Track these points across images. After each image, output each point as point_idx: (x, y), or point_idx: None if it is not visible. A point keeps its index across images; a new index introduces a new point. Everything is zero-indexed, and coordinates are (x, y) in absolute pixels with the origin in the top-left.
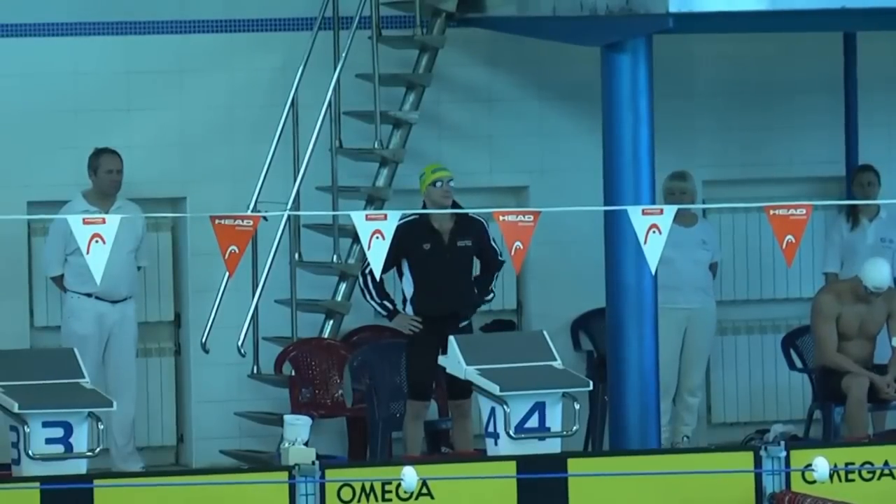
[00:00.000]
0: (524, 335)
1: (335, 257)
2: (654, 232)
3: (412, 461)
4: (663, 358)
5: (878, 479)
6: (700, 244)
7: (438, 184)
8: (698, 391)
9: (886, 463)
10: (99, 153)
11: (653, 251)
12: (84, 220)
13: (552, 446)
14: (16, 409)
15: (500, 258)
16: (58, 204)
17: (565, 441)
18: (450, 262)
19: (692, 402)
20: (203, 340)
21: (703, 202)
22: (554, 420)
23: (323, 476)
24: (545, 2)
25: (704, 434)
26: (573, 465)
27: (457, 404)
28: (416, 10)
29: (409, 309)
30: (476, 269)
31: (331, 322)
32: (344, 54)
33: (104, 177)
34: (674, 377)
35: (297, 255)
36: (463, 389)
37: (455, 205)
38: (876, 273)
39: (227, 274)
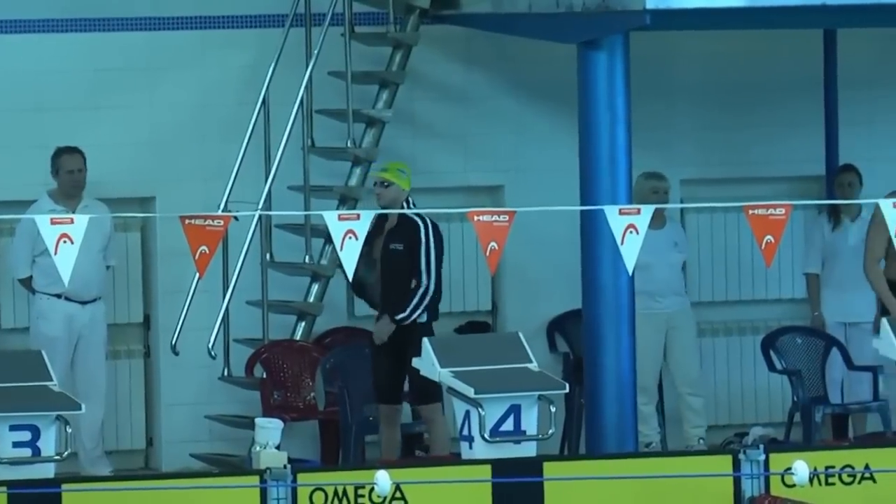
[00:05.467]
0: (499, 337)
1: (307, 258)
2: (631, 232)
3: (385, 465)
4: (645, 364)
5: (859, 482)
6: (672, 246)
7: (373, 183)
8: (698, 391)
9: (867, 467)
10: (60, 153)
11: (630, 251)
12: (51, 220)
13: (528, 450)
14: None
15: (421, 280)
16: (24, 204)
17: (541, 444)
18: (381, 264)
19: (695, 402)
20: (173, 342)
21: (682, 202)
22: (529, 423)
23: (295, 480)
24: None
25: (682, 437)
26: (549, 468)
27: (424, 409)
28: (389, 6)
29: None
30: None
31: (303, 324)
32: (316, 52)
33: (66, 177)
34: (655, 382)
35: (268, 256)
36: (427, 394)
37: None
38: None
39: (198, 275)
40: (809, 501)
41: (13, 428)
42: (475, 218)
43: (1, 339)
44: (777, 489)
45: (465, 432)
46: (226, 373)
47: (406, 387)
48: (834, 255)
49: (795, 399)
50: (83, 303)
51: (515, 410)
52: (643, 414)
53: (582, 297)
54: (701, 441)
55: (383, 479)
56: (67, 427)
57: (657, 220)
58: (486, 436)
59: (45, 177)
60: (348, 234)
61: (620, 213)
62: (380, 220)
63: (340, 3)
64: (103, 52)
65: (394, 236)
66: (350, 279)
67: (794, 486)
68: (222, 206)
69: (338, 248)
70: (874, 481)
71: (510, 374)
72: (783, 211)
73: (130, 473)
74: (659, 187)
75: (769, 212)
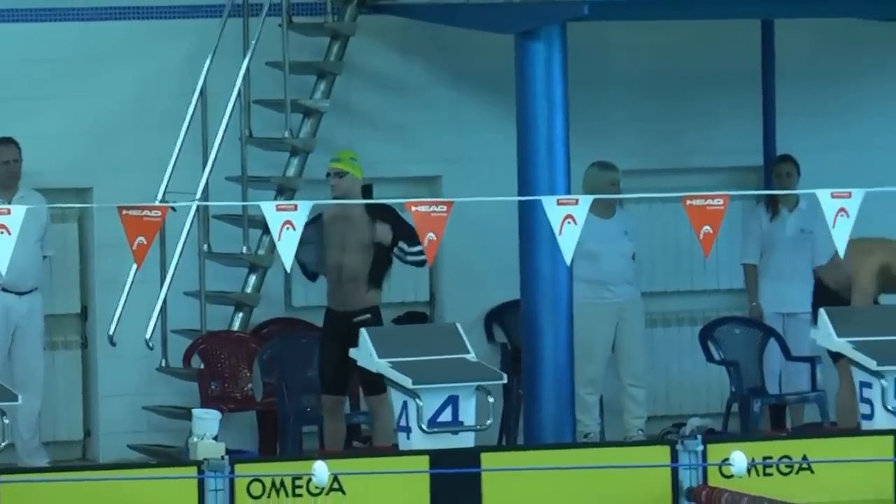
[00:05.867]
0: (437, 327)
1: (245, 248)
2: (569, 222)
3: (323, 456)
4: (594, 354)
5: (797, 473)
6: (622, 235)
7: (326, 174)
8: (641, 382)
9: (805, 457)
10: None
11: (568, 242)
12: None
13: (465, 440)
14: None
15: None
16: None
17: (479, 435)
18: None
19: (638, 393)
20: (110, 333)
21: (621, 192)
22: (467, 414)
23: (232, 471)
24: None
25: (621, 427)
26: (487, 459)
27: (371, 400)
28: None
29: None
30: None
31: (240, 314)
32: (254, 42)
33: (1, 168)
34: (602, 372)
35: (206, 247)
36: (376, 385)
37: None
38: None
39: (135, 265)
40: (747, 492)
41: None
42: (413, 208)
43: None
44: (715, 480)
45: (403, 423)
46: (163, 364)
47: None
48: (772, 246)
49: (733, 390)
50: (20, 293)
51: (453, 401)
52: (587, 404)
53: (520, 288)
54: (640, 432)
55: (321, 470)
56: (4, 418)
57: (607, 210)
58: (424, 427)
59: None
60: (286, 225)
61: (558, 203)
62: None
63: None
64: (41, 42)
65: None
66: (288, 269)
67: (731, 476)
68: (160, 196)
69: (275, 239)
70: (812, 472)
71: (448, 364)
72: (721, 201)
73: (68, 465)
74: (615, 178)
75: (707, 202)
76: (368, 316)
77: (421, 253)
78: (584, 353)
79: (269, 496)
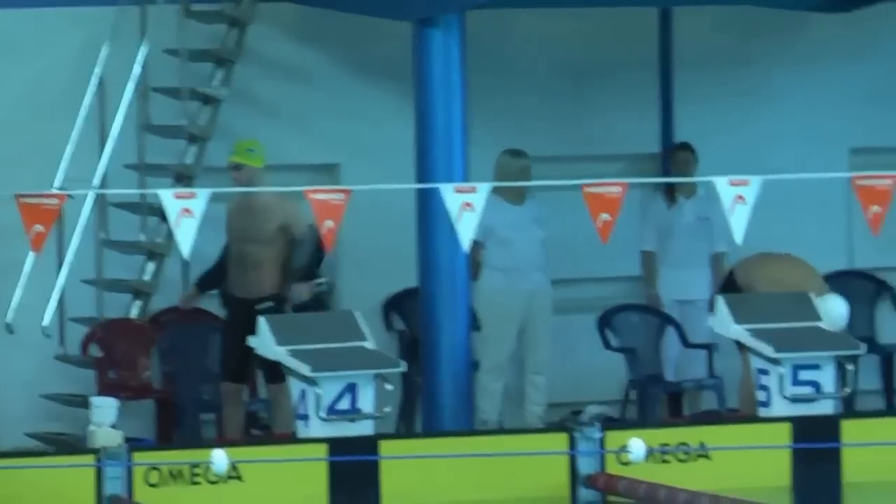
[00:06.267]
0: (336, 315)
1: (143, 236)
2: (467, 209)
3: (221, 444)
4: (502, 341)
5: (694, 460)
6: (534, 222)
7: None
8: (544, 370)
9: (702, 444)
10: None
11: (465, 229)
12: None
13: (364, 428)
14: None
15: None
16: None
17: (377, 423)
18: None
19: (539, 381)
20: (8, 321)
21: (531, 179)
22: (366, 401)
23: (130, 459)
24: None
25: (519, 415)
26: (385, 447)
27: (270, 388)
28: None
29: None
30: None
31: (138, 302)
32: (151, 29)
33: None
34: (509, 360)
35: (103, 234)
36: (278, 373)
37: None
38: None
39: (33, 253)
40: (645, 479)
41: None
42: (311, 196)
43: None
44: (613, 467)
45: (302, 411)
46: (61, 351)
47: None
48: (670, 233)
49: (631, 377)
50: None
51: (352, 389)
52: (490, 391)
53: (418, 276)
54: (538, 419)
55: (220, 458)
56: None
57: (518, 197)
58: (323, 414)
59: None
60: (184, 213)
61: (456, 191)
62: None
63: None
64: None
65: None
66: (186, 257)
67: (629, 463)
68: (57, 184)
69: (173, 227)
70: (709, 458)
71: (346, 352)
72: (619, 189)
73: None
74: (524, 165)
75: (605, 190)
76: (271, 303)
77: (323, 285)
78: (492, 339)
79: (167, 484)
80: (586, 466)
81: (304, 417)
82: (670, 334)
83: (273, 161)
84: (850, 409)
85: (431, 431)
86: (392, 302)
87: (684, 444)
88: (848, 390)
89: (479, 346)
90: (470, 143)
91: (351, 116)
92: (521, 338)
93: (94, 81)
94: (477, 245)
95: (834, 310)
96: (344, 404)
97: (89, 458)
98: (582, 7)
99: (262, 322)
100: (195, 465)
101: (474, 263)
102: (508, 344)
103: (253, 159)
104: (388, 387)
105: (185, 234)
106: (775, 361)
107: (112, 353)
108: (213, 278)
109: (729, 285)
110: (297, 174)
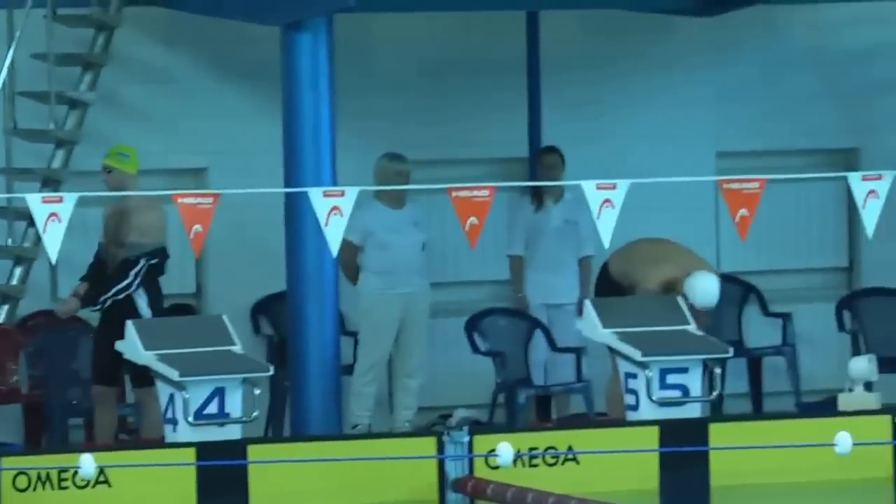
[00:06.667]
0: (204, 319)
1: (10, 240)
2: (335, 214)
3: (90, 448)
4: (379, 345)
5: (562, 464)
6: (413, 226)
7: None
8: (418, 374)
9: (570, 448)
10: None
11: (334, 233)
12: None
13: (232, 432)
14: None
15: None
16: None
17: (245, 427)
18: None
19: (412, 385)
20: None
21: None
22: (234, 406)
23: None
24: None
25: (387, 419)
26: (253, 451)
27: (138, 392)
28: None
29: None
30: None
31: (6, 307)
32: (18, 33)
33: None
34: (384, 364)
35: None
36: (145, 377)
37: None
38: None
39: None
40: (513, 483)
41: None
42: (179, 200)
43: None
44: (481, 471)
45: (170, 415)
46: None
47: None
48: (537, 237)
49: (499, 381)
50: None
51: (220, 393)
52: (364, 395)
53: (286, 280)
54: (407, 423)
55: (87, 463)
56: None
57: (397, 201)
58: (190, 419)
59: None
60: (51, 217)
61: (324, 195)
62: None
63: None
64: None
65: None
66: (53, 261)
67: (497, 467)
68: None
69: (40, 231)
70: (577, 462)
71: (214, 356)
72: (487, 192)
73: None
74: (403, 169)
75: (473, 193)
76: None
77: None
78: (369, 343)
79: (34, 489)
80: (454, 470)
81: (173, 422)
82: (538, 338)
83: (141, 165)
84: (717, 412)
85: (300, 435)
86: (260, 306)
87: (552, 447)
88: (715, 394)
89: (357, 349)
90: (339, 147)
91: (219, 120)
92: (397, 341)
93: None
94: (355, 248)
95: (704, 285)
96: (212, 409)
97: None
98: (450, 10)
99: (129, 326)
100: (63, 470)
101: (352, 267)
102: (384, 347)
103: (125, 164)
104: (257, 391)
105: (53, 239)
106: (643, 365)
107: None
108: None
109: (604, 280)
110: (165, 178)
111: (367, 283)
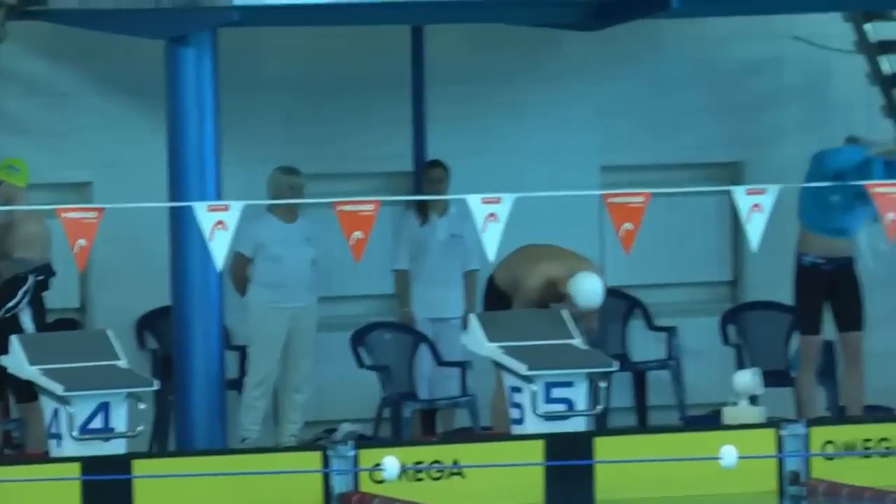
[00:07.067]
0: (88, 334)
1: None
2: (219, 228)
3: None
4: (267, 359)
5: (448, 477)
6: (304, 241)
7: None
8: (304, 388)
9: (455, 462)
10: None
11: (219, 248)
12: None
13: (117, 447)
14: None
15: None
16: None
17: (130, 441)
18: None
19: (298, 399)
20: None
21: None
22: (119, 420)
23: None
24: None
25: (272, 433)
26: (138, 466)
27: (22, 407)
28: None
29: None
30: None
31: None
32: None
33: None
34: (274, 377)
35: None
36: (28, 392)
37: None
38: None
39: None
40: (399, 497)
41: None
42: (63, 214)
43: None
44: (367, 485)
45: (55, 430)
46: None
47: None
48: (423, 251)
49: (384, 395)
50: None
51: (104, 408)
52: (255, 408)
53: (171, 294)
54: (292, 437)
55: None
56: None
57: (289, 215)
58: (76, 433)
59: None
60: None
61: (209, 209)
62: None
63: None
64: None
65: None
66: None
67: (383, 481)
68: None
69: None
70: (462, 476)
71: (99, 371)
72: (372, 207)
73: None
74: (296, 183)
75: (358, 208)
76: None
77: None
78: (258, 356)
79: None
80: (340, 485)
81: (57, 437)
82: (424, 352)
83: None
84: (602, 426)
85: (185, 450)
86: (145, 320)
87: (438, 461)
88: (600, 407)
89: (247, 363)
90: (226, 162)
91: (104, 134)
92: (283, 355)
93: None
94: (246, 260)
95: (588, 285)
96: (97, 423)
97: None
98: (335, 25)
99: (13, 341)
100: None
101: (242, 279)
102: (273, 361)
103: (14, 177)
104: (141, 405)
105: None
106: (528, 379)
107: None
108: None
109: (491, 292)
110: (49, 192)
111: (257, 295)
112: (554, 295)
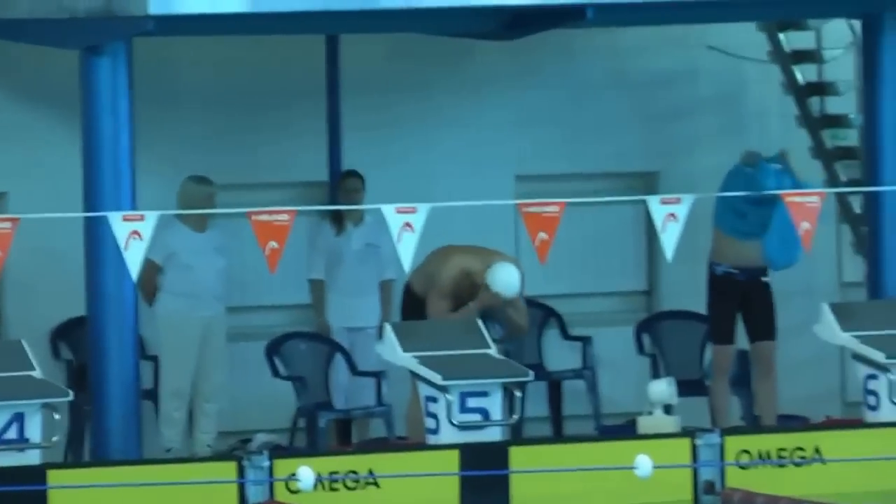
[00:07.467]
0: (2, 345)
1: None
2: (135, 238)
3: None
4: (181, 369)
5: (363, 488)
6: (215, 250)
7: None
8: (216, 398)
9: (371, 472)
10: None
11: (134, 258)
12: None
13: (31, 458)
14: None
15: None
16: None
17: (45, 452)
18: None
19: (211, 408)
20: None
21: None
22: (33, 431)
23: None
24: (21, 3)
25: (187, 444)
26: (53, 476)
27: None
28: None
29: None
30: None
31: None
32: None
33: None
34: (189, 386)
35: None
36: None
37: None
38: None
39: None
40: None
41: None
42: None
43: None
44: (282, 495)
45: None
46: None
47: None
48: (338, 261)
49: (299, 405)
50: None
51: (19, 418)
52: (174, 419)
53: (86, 304)
54: (207, 447)
55: None
56: None
57: (200, 224)
58: None
59: None
60: None
61: (124, 219)
62: None
63: None
64: None
65: None
66: None
67: (298, 491)
68: None
69: None
70: (378, 486)
71: (13, 382)
72: (287, 217)
73: None
74: (207, 192)
75: (273, 217)
76: None
77: None
78: (171, 366)
79: None
80: (255, 495)
81: None
82: (339, 362)
83: None
84: (517, 436)
85: (100, 460)
86: (59, 331)
87: (353, 471)
88: (516, 417)
89: (159, 373)
90: (141, 171)
91: (18, 144)
92: (195, 365)
93: None
94: (156, 268)
95: (505, 274)
96: (11, 434)
97: None
98: (250, 34)
99: None
100: None
101: (151, 287)
102: (186, 370)
103: None
104: (56, 416)
105: None
106: (443, 389)
107: None
108: None
109: (408, 300)
110: None
111: (166, 304)
112: (469, 287)
